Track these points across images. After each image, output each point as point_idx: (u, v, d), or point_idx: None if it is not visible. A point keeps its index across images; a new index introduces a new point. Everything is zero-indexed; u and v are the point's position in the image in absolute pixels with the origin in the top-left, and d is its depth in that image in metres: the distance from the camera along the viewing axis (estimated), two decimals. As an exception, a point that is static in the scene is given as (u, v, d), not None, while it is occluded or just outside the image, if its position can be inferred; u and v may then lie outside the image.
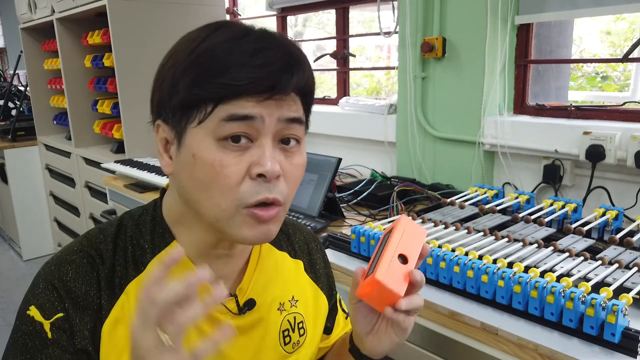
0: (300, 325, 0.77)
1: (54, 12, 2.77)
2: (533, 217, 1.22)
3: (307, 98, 0.64)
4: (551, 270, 0.95)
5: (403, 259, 0.63)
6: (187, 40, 0.61)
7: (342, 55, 2.43)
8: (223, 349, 0.68)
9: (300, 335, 0.77)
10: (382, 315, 0.68)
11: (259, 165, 0.57)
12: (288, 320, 0.76)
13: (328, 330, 0.86)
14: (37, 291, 0.62)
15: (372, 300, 0.63)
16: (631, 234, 1.13)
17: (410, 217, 0.67)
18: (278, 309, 0.75)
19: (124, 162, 2.24)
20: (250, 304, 0.71)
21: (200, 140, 0.58)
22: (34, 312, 0.61)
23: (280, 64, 0.58)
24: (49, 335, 0.60)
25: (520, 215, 1.24)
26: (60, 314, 0.61)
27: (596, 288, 0.85)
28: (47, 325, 0.60)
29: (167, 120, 0.61)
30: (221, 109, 0.57)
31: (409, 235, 0.65)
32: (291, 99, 0.60)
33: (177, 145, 0.61)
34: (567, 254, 1.01)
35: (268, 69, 0.57)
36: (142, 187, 2.00)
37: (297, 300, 0.78)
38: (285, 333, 0.75)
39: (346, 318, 0.91)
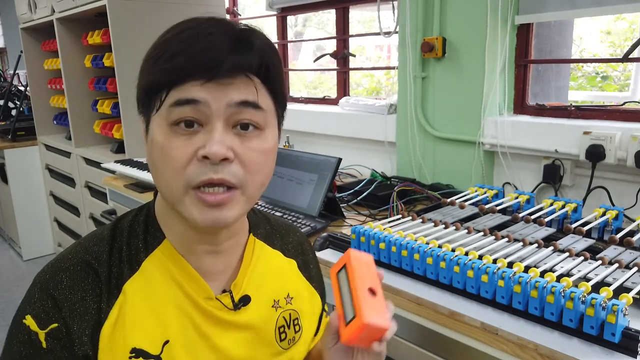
0: (296, 322, 0.78)
1: (54, 12, 2.77)
2: (533, 217, 1.22)
3: (270, 82, 0.63)
4: (551, 270, 0.95)
5: (372, 292, 0.64)
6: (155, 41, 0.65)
7: (342, 55, 2.43)
8: (219, 345, 0.68)
9: (295, 332, 0.78)
10: (357, 351, 0.69)
11: (203, 147, 0.59)
12: (283, 317, 0.76)
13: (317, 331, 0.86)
14: (33, 300, 0.63)
15: (361, 341, 0.64)
16: (631, 233, 1.13)
17: (355, 248, 0.69)
18: (273, 306, 0.76)
19: (124, 162, 2.24)
20: (245, 300, 0.72)
21: (157, 126, 0.61)
22: (29, 321, 0.62)
23: (224, 46, 0.59)
24: (44, 344, 0.61)
25: (520, 215, 1.24)
26: (55, 324, 0.61)
27: (596, 288, 0.85)
28: (42, 335, 0.61)
29: (140, 112, 0.66)
30: (171, 95, 0.59)
31: (364, 265, 0.66)
32: (242, 82, 0.60)
33: (146, 134, 0.65)
34: (567, 254, 1.01)
35: (210, 52, 0.58)
36: (142, 187, 2.00)
37: (292, 298, 0.79)
38: (281, 329, 0.76)
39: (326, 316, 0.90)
